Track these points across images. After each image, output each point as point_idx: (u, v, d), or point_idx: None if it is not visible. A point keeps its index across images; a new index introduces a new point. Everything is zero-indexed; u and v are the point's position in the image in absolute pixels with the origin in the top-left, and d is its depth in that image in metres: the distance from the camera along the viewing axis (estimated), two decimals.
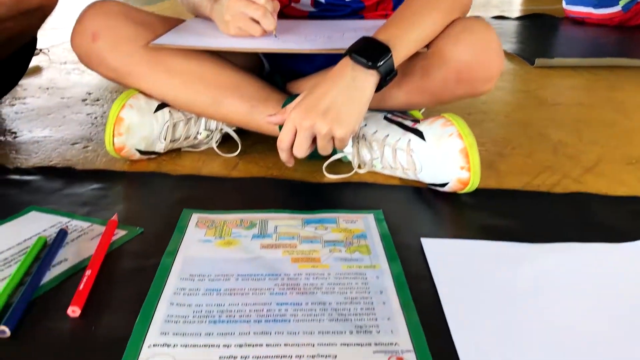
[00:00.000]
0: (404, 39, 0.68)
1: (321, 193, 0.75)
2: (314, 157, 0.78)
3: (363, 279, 0.55)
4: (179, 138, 0.84)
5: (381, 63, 0.65)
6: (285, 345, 0.45)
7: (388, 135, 0.74)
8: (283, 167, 0.81)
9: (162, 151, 0.83)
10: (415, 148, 0.72)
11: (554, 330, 0.48)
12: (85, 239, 0.61)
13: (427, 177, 0.72)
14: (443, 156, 0.69)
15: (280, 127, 0.70)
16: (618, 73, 1.36)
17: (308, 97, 0.66)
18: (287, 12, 0.87)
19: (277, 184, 0.77)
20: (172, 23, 0.84)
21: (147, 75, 0.79)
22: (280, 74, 0.88)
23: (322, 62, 0.83)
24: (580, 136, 0.95)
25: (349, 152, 0.78)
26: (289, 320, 0.48)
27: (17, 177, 0.77)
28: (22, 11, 0.82)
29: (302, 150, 0.68)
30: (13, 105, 1.12)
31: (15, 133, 0.96)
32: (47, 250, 0.57)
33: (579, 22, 1.97)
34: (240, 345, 0.45)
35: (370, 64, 0.65)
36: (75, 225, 0.64)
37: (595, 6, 1.88)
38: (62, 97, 1.17)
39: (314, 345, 0.45)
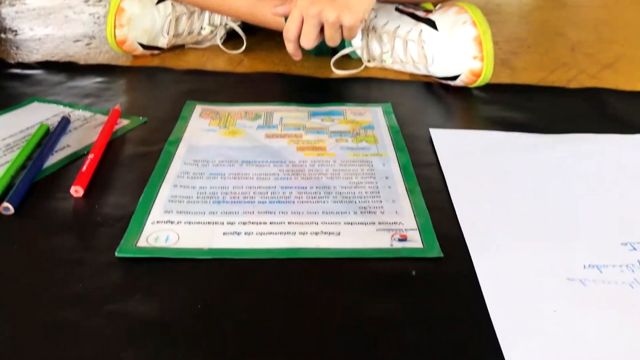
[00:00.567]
0: None
1: (329, 88, 0.73)
2: (322, 52, 0.76)
3: (369, 165, 0.54)
4: (182, 33, 0.81)
5: None
6: (289, 223, 0.45)
7: (399, 26, 0.71)
8: (290, 63, 0.79)
9: (165, 46, 0.81)
10: (427, 39, 0.69)
11: (560, 215, 0.47)
12: (88, 127, 0.60)
13: (439, 70, 0.70)
14: (455, 45, 0.66)
15: (287, 18, 0.67)
16: None
17: None
18: None
19: (284, 79, 0.75)
20: None
21: None
22: None
23: None
24: (599, 36, 0.92)
25: (358, 45, 0.75)
26: (293, 202, 0.48)
27: (19, 71, 0.76)
28: None
29: (309, 40, 0.65)
30: (13, 5, 1.09)
31: (16, 31, 0.94)
32: (50, 136, 0.57)
33: None
34: (244, 223, 0.45)
35: None
36: (78, 114, 0.63)
37: None
38: None
39: (317, 224, 0.45)
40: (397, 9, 0.74)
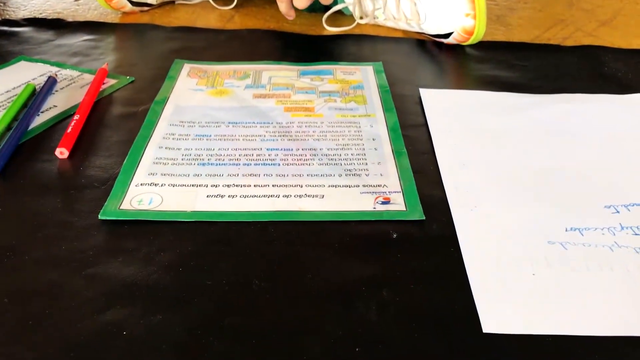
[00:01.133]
0: None
1: (320, 45, 0.71)
2: (315, 9, 0.75)
3: (356, 127, 0.53)
4: None
5: None
6: (273, 186, 0.45)
7: None
8: (281, 20, 0.77)
9: (154, 2, 0.79)
10: None
11: (546, 178, 0.47)
12: (74, 87, 0.60)
13: (431, 27, 0.69)
14: (448, 2, 0.65)
15: None
16: None
17: None
18: None
19: (274, 36, 0.73)
20: None
21: None
22: None
23: None
24: None
25: (350, 1, 0.74)
26: (279, 164, 0.48)
27: (6, 28, 0.74)
28: None
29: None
30: None
31: None
32: (36, 96, 0.56)
33: None
34: (228, 186, 0.45)
35: None
36: (65, 74, 0.63)
37: None
38: None
39: (301, 186, 0.45)
40: None
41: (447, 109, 0.56)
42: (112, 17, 0.78)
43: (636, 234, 0.41)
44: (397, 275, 0.37)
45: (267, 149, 0.50)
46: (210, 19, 0.79)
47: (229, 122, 0.54)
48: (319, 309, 0.35)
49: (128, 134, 0.52)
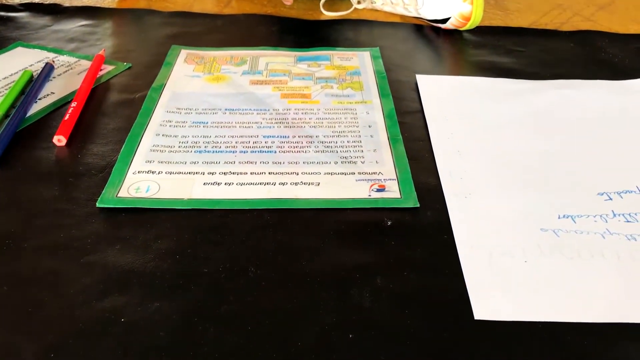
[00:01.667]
0: None
1: (317, 30, 0.71)
2: None
3: (353, 114, 0.54)
4: None
5: None
6: (269, 173, 0.45)
7: None
8: (278, 4, 0.77)
9: None
10: None
11: (541, 164, 0.47)
12: (72, 74, 0.60)
13: (429, 12, 0.68)
14: None
15: None
16: None
17: None
18: None
19: (272, 21, 0.73)
20: None
21: None
22: None
23: None
24: None
25: None
26: (275, 152, 0.48)
27: (2, 13, 0.74)
28: None
29: None
30: None
31: None
32: (33, 83, 0.56)
33: None
34: (225, 173, 0.45)
35: None
36: (62, 60, 0.63)
37: None
38: None
39: (297, 174, 0.45)
40: None
41: (443, 95, 0.56)
42: (109, 2, 0.78)
43: (628, 221, 0.41)
44: (391, 262, 0.38)
45: (264, 136, 0.50)
46: (207, 3, 0.78)
47: (226, 109, 0.54)
48: (313, 296, 0.35)
49: (125, 121, 0.52)
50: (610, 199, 0.43)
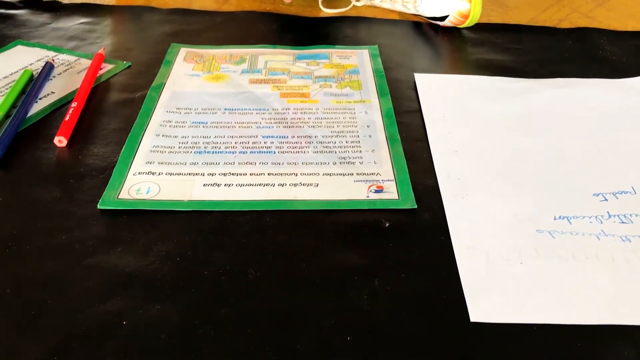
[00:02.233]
0: None
1: (316, 28, 0.72)
2: None
3: (351, 113, 0.54)
4: None
5: None
6: (268, 174, 0.46)
7: None
8: (277, 1, 0.77)
9: None
10: None
11: (538, 165, 0.47)
12: (72, 73, 0.60)
13: (427, 9, 0.69)
14: None
15: None
16: None
17: None
18: None
19: (271, 18, 0.73)
20: None
21: None
22: None
23: None
24: None
25: None
26: (274, 152, 0.48)
27: (2, 10, 0.74)
28: None
29: None
30: None
31: None
32: (34, 83, 0.57)
33: None
34: (224, 174, 0.46)
35: None
36: (62, 59, 0.63)
37: None
38: None
39: (296, 175, 0.46)
40: None
41: (441, 94, 0.57)
42: None
43: (623, 222, 0.42)
44: (389, 264, 0.38)
45: (263, 137, 0.50)
46: (206, 0, 0.79)
47: (225, 109, 0.54)
48: (312, 298, 0.36)
49: (125, 121, 0.52)
50: (606, 199, 0.44)
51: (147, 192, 0.44)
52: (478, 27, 0.69)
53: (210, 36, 0.68)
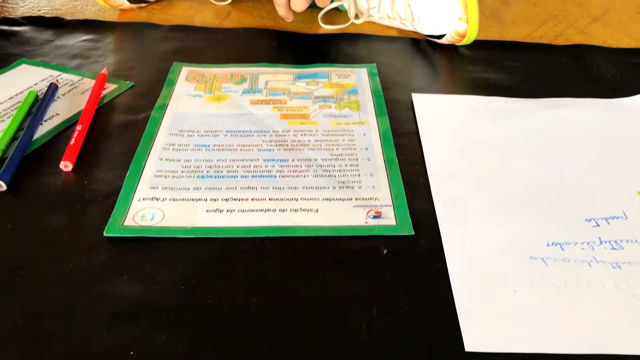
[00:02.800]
0: None
1: (316, 45, 0.73)
2: (311, 6, 0.76)
3: (350, 135, 0.55)
4: None
5: None
6: (270, 199, 0.47)
7: None
8: (277, 17, 0.78)
9: None
10: None
11: (532, 190, 0.49)
12: (76, 93, 0.61)
13: (425, 28, 0.70)
14: (441, 6, 0.66)
15: None
16: None
17: None
18: None
19: (271, 35, 0.75)
20: None
21: None
22: None
23: None
24: None
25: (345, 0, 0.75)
26: (275, 176, 0.50)
27: (5, 27, 0.75)
28: None
29: (300, 3, 0.66)
30: None
31: None
32: (39, 104, 0.58)
33: None
34: (227, 200, 0.47)
35: None
36: (66, 79, 0.64)
37: None
38: None
39: (297, 200, 0.47)
40: None
41: (438, 115, 0.58)
42: (111, 15, 0.79)
43: (614, 249, 0.43)
44: (387, 292, 0.39)
45: (264, 160, 0.52)
46: (207, 16, 0.80)
47: (227, 131, 0.55)
48: (313, 327, 0.37)
49: (129, 144, 0.53)
50: (598, 225, 0.45)
51: (152, 219, 0.45)
52: (475, 44, 0.70)
53: (211, 54, 0.70)
